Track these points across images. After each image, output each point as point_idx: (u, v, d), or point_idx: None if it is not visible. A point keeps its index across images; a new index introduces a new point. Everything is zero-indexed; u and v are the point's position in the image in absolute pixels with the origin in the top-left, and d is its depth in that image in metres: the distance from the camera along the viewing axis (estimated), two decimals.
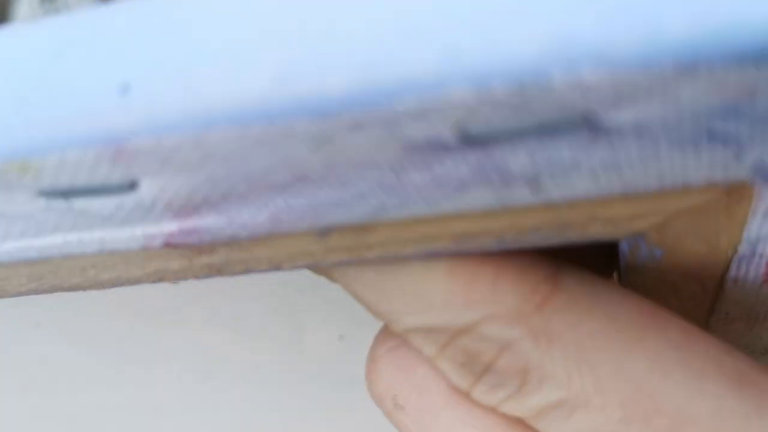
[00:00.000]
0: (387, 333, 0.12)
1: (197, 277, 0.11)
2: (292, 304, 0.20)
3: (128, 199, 0.08)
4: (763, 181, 0.08)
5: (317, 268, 0.11)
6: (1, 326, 0.19)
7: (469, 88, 0.06)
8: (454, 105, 0.07)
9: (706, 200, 0.08)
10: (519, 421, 0.11)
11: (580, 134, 0.07)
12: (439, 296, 0.10)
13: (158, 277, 0.11)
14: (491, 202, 0.08)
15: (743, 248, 0.10)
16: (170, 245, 0.09)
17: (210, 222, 0.09)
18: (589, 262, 0.11)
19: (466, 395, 0.11)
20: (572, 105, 0.07)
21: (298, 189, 0.08)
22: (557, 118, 0.07)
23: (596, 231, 0.09)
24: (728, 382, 0.09)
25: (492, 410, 0.11)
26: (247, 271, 0.11)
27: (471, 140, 0.07)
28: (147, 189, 0.08)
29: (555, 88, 0.06)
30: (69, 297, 0.12)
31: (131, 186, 0.08)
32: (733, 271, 0.11)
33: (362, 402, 0.18)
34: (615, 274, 0.12)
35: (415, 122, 0.07)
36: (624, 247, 0.10)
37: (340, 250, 0.10)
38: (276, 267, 0.10)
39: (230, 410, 0.23)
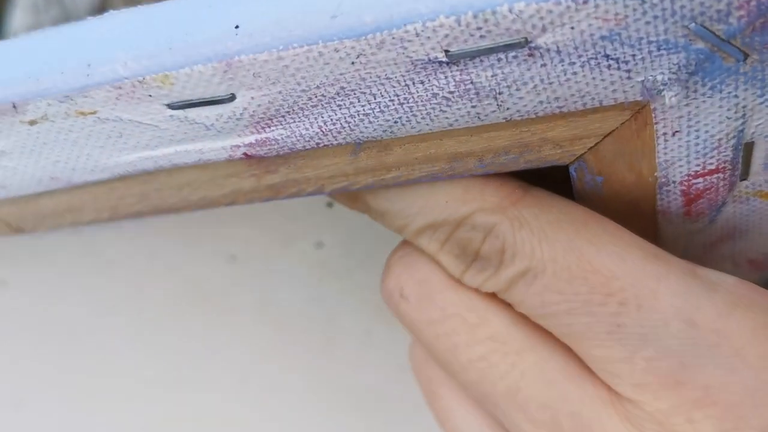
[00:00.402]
0: (400, 246, 0.15)
1: (261, 198, 0.15)
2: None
3: (227, 109, 0.12)
4: (653, 100, 0.12)
5: (348, 196, 0.15)
6: None
7: (451, 17, 0.10)
8: (441, 28, 0.11)
9: (620, 122, 0.12)
10: (493, 297, 0.14)
11: (523, 52, 0.11)
12: (442, 198, 0.14)
13: (232, 199, 0.15)
14: (471, 118, 0.12)
15: (660, 174, 0.13)
16: (248, 156, 0.13)
17: (277, 134, 0.13)
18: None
19: (457, 281, 0.14)
20: (515, 30, 0.11)
21: (339, 101, 0.12)
22: (507, 41, 0.11)
23: (548, 154, 0.13)
24: (647, 255, 0.13)
25: (476, 291, 0.14)
26: (298, 192, 0.14)
27: (454, 58, 0.11)
28: (240, 100, 0.12)
29: (502, 16, 0.10)
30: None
31: (231, 98, 0.12)
32: (659, 203, 0.14)
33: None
34: None
35: (418, 41, 0.11)
36: (573, 173, 0.13)
37: (367, 172, 0.14)
38: (319, 190, 0.14)
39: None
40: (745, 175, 0.13)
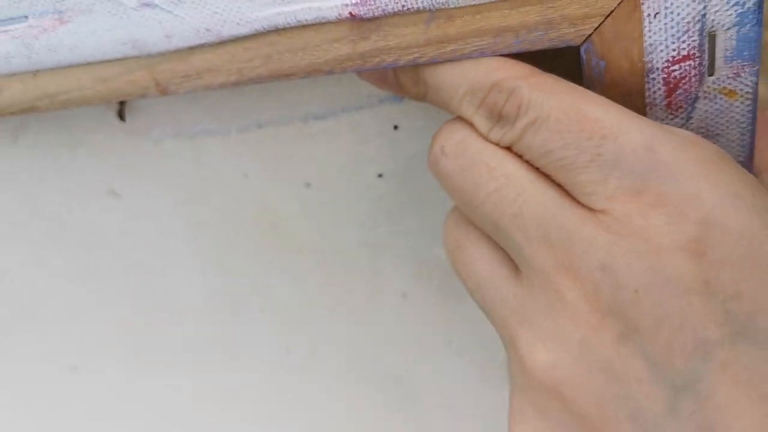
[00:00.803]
0: (446, 123, 0.20)
1: (353, 67, 0.20)
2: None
3: None
4: None
5: (411, 77, 0.20)
6: None
7: None
8: None
9: (618, 2, 0.17)
10: (509, 149, 0.18)
11: None
12: (483, 69, 0.19)
13: (332, 67, 0.20)
14: None
15: (647, 60, 0.18)
16: (352, 15, 0.19)
17: None
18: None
19: (485, 138, 0.19)
20: None
21: None
22: None
23: (566, 32, 0.18)
24: (628, 111, 0.17)
25: (497, 144, 0.19)
26: (379, 62, 0.20)
27: None
28: None
29: None
30: None
31: None
32: (647, 92, 0.19)
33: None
34: None
35: None
36: (583, 56, 0.18)
37: (433, 44, 0.19)
38: (395, 61, 0.19)
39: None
40: (711, 69, 0.18)
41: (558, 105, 0.17)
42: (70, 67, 0.22)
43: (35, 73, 0.22)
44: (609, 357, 0.17)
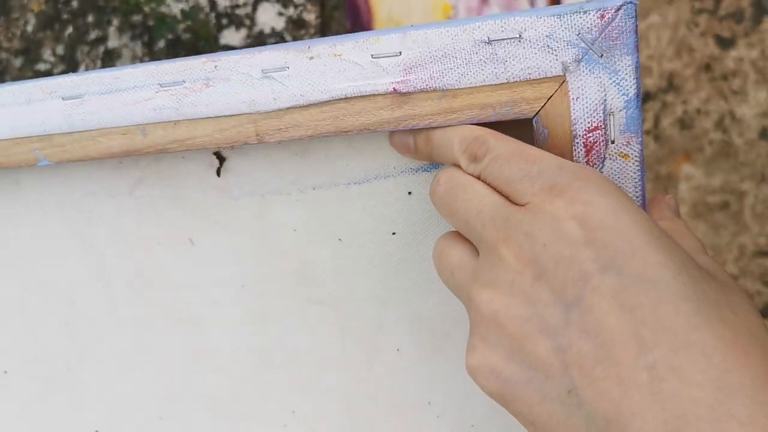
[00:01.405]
0: (442, 168, 0.30)
1: (390, 127, 0.31)
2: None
3: (396, 59, 0.30)
4: (567, 73, 0.28)
5: (423, 138, 0.31)
6: None
7: (497, 20, 0.28)
8: (485, 26, 0.28)
9: (555, 89, 0.28)
10: (478, 177, 0.28)
11: (514, 42, 0.28)
12: (469, 129, 0.29)
13: (377, 126, 0.31)
14: (494, 79, 0.29)
15: (573, 129, 0.29)
16: (395, 90, 0.30)
17: (413, 77, 0.30)
18: None
19: (465, 171, 0.29)
20: (512, 30, 0.28)
21: (448, 62, 0.29)
22: (509, 36, 0.28)
23: (524, 109, 0.29)
24: (547, 152, 0.28)
25: (471, 174, 0.28)
26: (407, 124, 0.30)
27: (492, 42, 0.29)
28: (404, 55, 0.30)
29: (511, 22, 0.28)
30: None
31: (399, 54, 0.30)
32: (574, 151, 0.29)
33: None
34: None
35: (487, 29, 0.29)
36: (534, 125, 0.29)
37: (441, 113, 0.30)
38: (418, 124, 0.30)
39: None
40: (612, 138, 0.29)
41: (508, 148, 0.28)
42: (202, 119, 0.33)
43: (176, 123, 0.33)
44: (527, 291, 0.25)
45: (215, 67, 0.32)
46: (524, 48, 0.28)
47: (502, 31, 0.28)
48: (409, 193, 0.34)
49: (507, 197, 0.27)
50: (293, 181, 0.35)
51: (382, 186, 0.34)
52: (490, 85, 0.29)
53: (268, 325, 0.38)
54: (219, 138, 0.33)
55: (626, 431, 0.22)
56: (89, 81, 0.34)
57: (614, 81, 0.28)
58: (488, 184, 0.28)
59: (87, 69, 0.66)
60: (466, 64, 0.29)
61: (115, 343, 0.41)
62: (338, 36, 0.30)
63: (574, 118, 0.28)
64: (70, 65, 0.67)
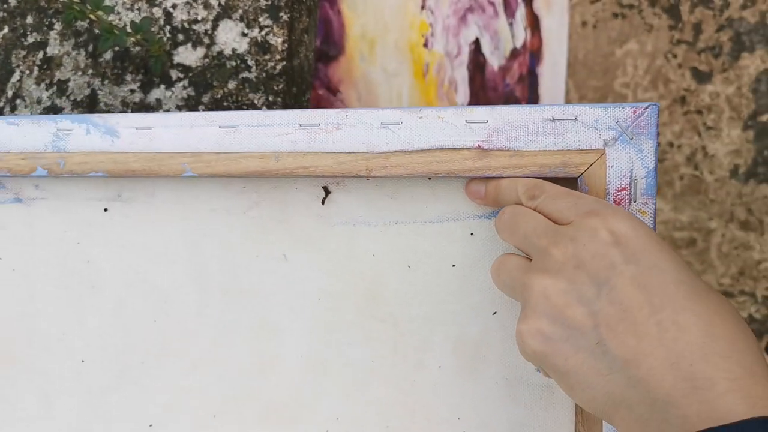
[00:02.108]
0: (506, 207, 0.40)
1: (470, 173, 0.41)
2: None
3: (484, 126, 0.41)
4: (606, 147, 0.39)
5: (496, 187, 0.41)
6: None
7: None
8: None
9: (597, 158, 0.39)
10: (536, 209, 0.38)
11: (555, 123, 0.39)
12: (532, 180, 0.39)
13: (461, 173, 0.41)
14: (555, 145, 0.40)
15: (607, 188, 0.39)
16: (479, 146, 0.41)
17: (494, 139, 0.40)
18: None
19: (526, 206, 0.38)
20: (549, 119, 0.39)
21: (523, 132, 0.40)
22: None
23: (572, 170, 0.39)
24: (587, 194, 0.38)
25: (531, 208, 0.38)
26: (484, 172, 0.41)
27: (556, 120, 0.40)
28: (490, 123, 0.41)
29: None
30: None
31: (486, 122, 0.41)
32: None
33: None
34: None
35: (550, 113, 0.40)
36: (578, 183, 0.39)
37: (512, 167, 0.40)
38: (492, 173, 0.40)
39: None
40: (635, 198, 0.39)
41: (558, 189, 0.37)
42: (326, 153, 0.43)
43: (305, 153, 0.43)
44: (569, 275, 0.34)
45: (346, 116, 0.43)
46: (577, 127, 0.39)
47: (563, 114, 0.39)
48: (471, 234, 0.43)
49: (555, 222, 0.37)
50: (381, 216, 0.44)
51: (450, 226, 0.43)
52: (550, 150, 0.40)
53: (332, 335, 0.45)
54: (336, 169, 0.43)
55: (639, 368, 0.30)
56: (245, 116, 0.44)
57: (639, 157, 0.38)
58: (541, 212, 0.37)
59: (21, 73, 0.62)
60: (534, 133, 0.40)
61: (193, 342, 0.48)
62: (442, 107, 0.41)
63: (609, 180, 0.39)
64: (2, 71, 0.62)
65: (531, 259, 0.37)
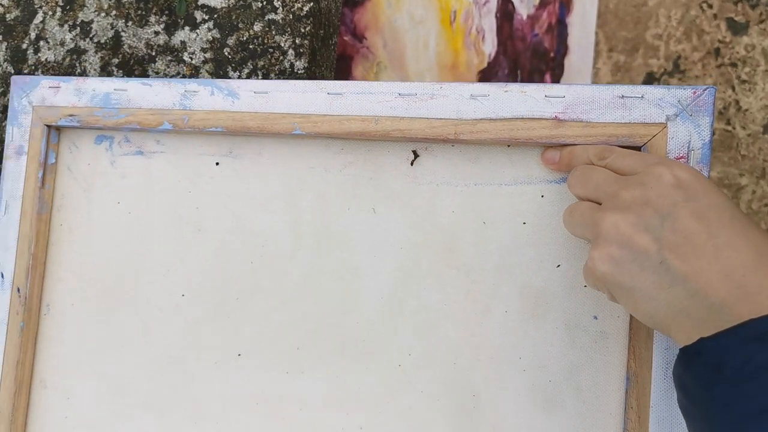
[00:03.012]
0: (577, 167, 0.45)
1: (544, 141, 0.46)
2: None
3: (562, 101, 0.46)
4: (669, 123, 0.44)
5: (567, 150, 0.46)
6: None
7: None
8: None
9: (658, 130, 0.44)
10: (605, 167, 0.43)
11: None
12: (601, 146, 0.45)
13: (537, 140, 0.46)
14: (618, 119, 0.45)
15: (667, 157, 0.44)
16: (555, 117, 0.46)
17: (567, 113, 0.46)
18: None
19: (596, 165, 0.43)
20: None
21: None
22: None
23: (637, 140, 0.45)
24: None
25: (601, 165, 0.43)
26: (558, 141, 0.46)
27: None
28: (567, 97, 0.46)
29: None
30: None
31: (563, 96, 0.46)
32: None
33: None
34: None
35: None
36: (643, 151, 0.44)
37: (585, 136, 0.46)
38: (565, 140, 0.46)
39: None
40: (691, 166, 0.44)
41: (626, 151, 0.43)
42: (420, 118, 0.49)
43: (401, 118, 0.49)
44: (638, 210, 0.38)
45: (440, 88, 0.48)
46: (644, 104, 0.44)
47: (632, 92, 0.45)
48: (542, 196, 0.48)
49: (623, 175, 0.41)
50: (462, 178, 0.50)
51: (523, 189, 0.48)
52: (618, 123, 0.45)
53: (410, 281, 0.50)
54: (428, 132, 0.48)
55: (698, 280, 0.34)
56: (350, 85, 0.50)
57: (697, 131, 0.44)
58: (611, 169, 0.42)
59: (44, 14, 0.64)
60: (605, 108, 0.45)
61: (284, 282, 0.52)
62: (526, 83, 0.47)
63: (669, 150, 0.44)
64: (25, 12, 0.62)
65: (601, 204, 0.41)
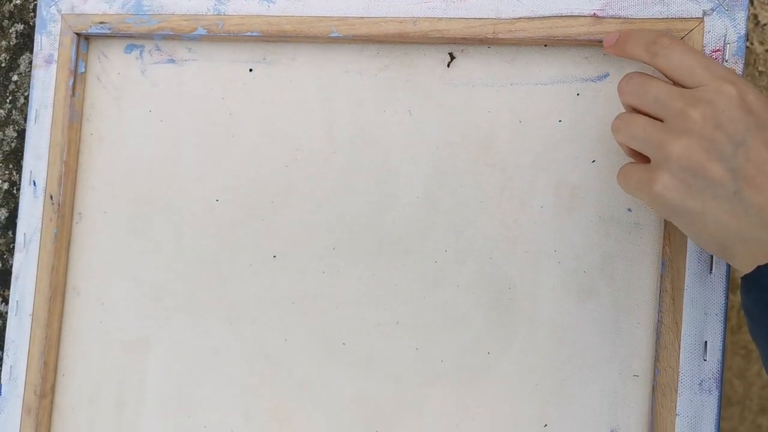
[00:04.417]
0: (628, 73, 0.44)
1: (584, 39, 0.46)
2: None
3: None
4: (705, 17, 0.44)
5: (622, 38, 0.46)
6: None
7: None
8: None
9: (696, 24, 0.44)
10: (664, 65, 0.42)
11: None
12: (653, 34, 0.44)
13: (575, 37, 0.46)
14: (656, 14, 0.45)
15: (704, 48, 0.44)
16: (594, 14, 0.46)
17: (606, 7, 0.45)
18: None
19: (651, 63, 0.43)
20: None
21: None
22: None
23: (674, 34, 0.44)
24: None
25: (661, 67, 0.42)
26: (598, 36, 0.45)
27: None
28: None
29: None
30: None
31: None
32: None
33: None
34: None
35: None
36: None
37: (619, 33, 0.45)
38: (602, 37, 0.45)
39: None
40: (726, 58, 0.44)
41: (687, 47, 0.40)
42: (459, 18, 0.48)
43: (439, 18, 0.48)
44: (710, 135, 0.36)
45: None
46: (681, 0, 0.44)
47: None
48: (578, 94, 0.48)
49: (681, 81, 0.39)
50: (498, 78, 0.49)
51: (559, 88, 0.48)
52: (656, 18, 0.45)
53: (446, 179, 0.49)
54: (466, 32, 0.47)
55: None
56: None
57: (732, 24, 0.43)
58: (666, 75, 0.40)
59: None
60: (643, 4, 0.45)
61: (319, 184, 0.52)
62: None
63: (705, 43, 0.44)
64: None
65: (661, 121, 0.39)
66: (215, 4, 0.52)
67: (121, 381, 0.55)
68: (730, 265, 0.42)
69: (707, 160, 0.36)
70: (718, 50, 0.43)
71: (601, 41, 0.45)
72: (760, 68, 0.57)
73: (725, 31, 0.43)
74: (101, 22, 0.55)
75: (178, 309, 0.54)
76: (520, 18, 0.46)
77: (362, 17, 0.49)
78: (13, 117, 0.64)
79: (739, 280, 0.41)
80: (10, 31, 0.65)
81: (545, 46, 0.48)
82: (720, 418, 0.42)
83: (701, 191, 0.36)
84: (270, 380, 0.52)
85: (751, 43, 0.57)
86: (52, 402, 0.55)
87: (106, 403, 0.55)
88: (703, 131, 0.36)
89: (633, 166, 0.40)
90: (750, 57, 0.58)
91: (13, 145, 0.64)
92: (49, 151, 0.55)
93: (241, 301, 0.53)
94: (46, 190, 0.55)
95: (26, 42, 0.64)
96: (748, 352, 0.67)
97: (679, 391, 0.43)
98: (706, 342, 0.43)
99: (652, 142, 0.38)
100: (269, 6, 0.51)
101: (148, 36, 0.54)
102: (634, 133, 0.39)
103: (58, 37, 0.56)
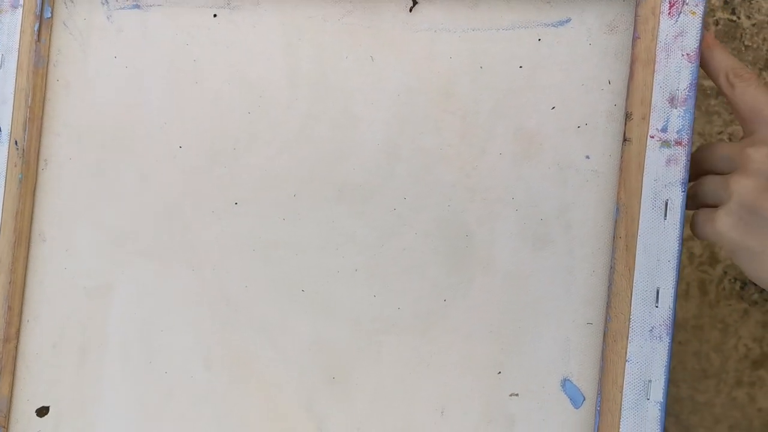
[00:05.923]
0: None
1: None
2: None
3: None
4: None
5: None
6: None
7: None
8: None
9: None
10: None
11: None
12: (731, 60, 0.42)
13: None
14: None
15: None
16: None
17: None
18: None
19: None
20: None
21: None
22: None
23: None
24: None
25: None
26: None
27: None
28: None
29: None
30: None
31: None
32: (662, 7, 0.42)
33: None
34: None
35: None
36: None
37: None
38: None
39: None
40: (687, 1, 0.42)
41: (759, 82, 0.40)
42: None
43: None
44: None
45: None
46: None
47: None
48: (539, 39, 0.46)
49: (746, 120, 0.40)
50: (460, 23, 0.47)
51: (520, 33, 0.46)
52: None
53: (406, 126, 0.48)
54: None
55: None
56: None
57: None
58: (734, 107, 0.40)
59: None
60: None
61: (281, 131, 0.50)
62: None
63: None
64: None
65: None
66: None
67: (84, 326, 0.54)
68: (685, 212, 0.40)
69: (765, 199, 0.36)
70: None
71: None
72: (746, 42, 0.55)
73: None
74: None
75: (141, 254, 0.53)
76: None
77: None
78: None
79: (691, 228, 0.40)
80: None
81: None
82: (670, 365, 0.40)
83: (760, 229, 0.36)
84: (230, 326, 0.51)
85: (738, 18, 0.55)
86: (16, 347, 0.55)
87: (69, 348, 0.54)
88: (761, 170, 0.37)
89: (702, 209, 0.41)
90: (737, 31, 0.56)
91: None
92: (14, 97, 0.54)
93: (203, 247, 0.52)
94: (11, 135, 0.54)
95: None
96: (725, 326, 0.66)
97: (630, 338, 0.41)
98: (658, 289, 0.41)
99: (718, 185, 0.39)
100: None
101: None
102: (705, 188, 0.41)
103: None
